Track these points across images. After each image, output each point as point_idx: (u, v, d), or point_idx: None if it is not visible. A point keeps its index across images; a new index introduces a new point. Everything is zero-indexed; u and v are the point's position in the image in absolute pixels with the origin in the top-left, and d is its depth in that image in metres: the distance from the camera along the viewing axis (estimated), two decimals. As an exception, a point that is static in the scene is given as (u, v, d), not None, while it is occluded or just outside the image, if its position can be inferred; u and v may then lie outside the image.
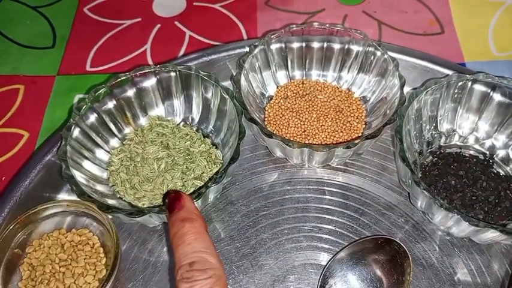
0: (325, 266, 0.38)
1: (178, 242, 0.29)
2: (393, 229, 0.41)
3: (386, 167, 0.45)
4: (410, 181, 0.39)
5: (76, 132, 0.41)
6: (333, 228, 0.42)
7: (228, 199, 0.44)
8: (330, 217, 0.42)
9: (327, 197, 0.43)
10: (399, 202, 0.43)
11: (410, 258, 0.37)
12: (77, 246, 0.40)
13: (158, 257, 0.41)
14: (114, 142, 0.45)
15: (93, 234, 0.41)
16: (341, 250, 0.39)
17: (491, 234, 0.36)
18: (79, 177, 0.39)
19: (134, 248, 0.41)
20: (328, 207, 0.43)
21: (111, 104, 0.44)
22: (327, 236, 0.41)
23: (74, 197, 0.42)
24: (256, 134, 0.43)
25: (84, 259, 0.39)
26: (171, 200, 0.32)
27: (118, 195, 0.42)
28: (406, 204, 0.43)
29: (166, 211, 0.32)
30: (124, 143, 0.45)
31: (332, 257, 0.39)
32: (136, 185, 0.42)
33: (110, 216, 0.39)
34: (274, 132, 0.45)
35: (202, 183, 0.41)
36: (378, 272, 0.37)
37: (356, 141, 0.39)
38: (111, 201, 0.40)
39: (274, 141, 0.40)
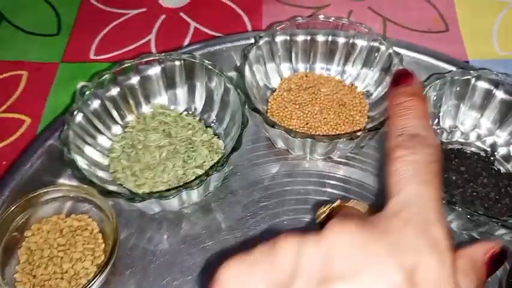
0: None
1: (403, 112, 0.26)
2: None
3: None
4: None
5: (79, 117, 0.41)
6: (333, 220, 0.41)
7: (228, 189, 0.44)
8: (330, 209, 0.42)
9: (328, 189, 0.43)
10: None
11: None
12: (75, 231, 0.40)
13: (157, 246, 0.41)
14: (116, 129, 0.45)
15: (92, 220, 0.40)
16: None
17: (495, 229, 0.36)
18: (80, 162, 0.39)
19: (133, 235, 0.41)
20: (328, 200, 0.43)
21: (114, 91, 0.44)
22: (326, 228, 0.41)
23: (74, 183, 0.42)
24: (259, 124, 0.43)
25: (83, 244, 0.39)
26: (400, 74, 0.28)
27: (118, 182, 0.42)
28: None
29: (390, 85, 0.28)
30: (126, 130, 0.45)
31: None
32: (137, 172, 0.42)
33: (111, 203, 0.39)
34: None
35: (204, 172, 0.41)
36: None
37: (359, 133, 0.39)
38: (111, 188, 0.40)
39: (276, 131, 0.40)
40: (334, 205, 0.26)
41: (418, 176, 0.22)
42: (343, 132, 0.45)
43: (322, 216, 0.26)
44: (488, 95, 0.44)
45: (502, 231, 0.36)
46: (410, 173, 0.22)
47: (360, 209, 0.26)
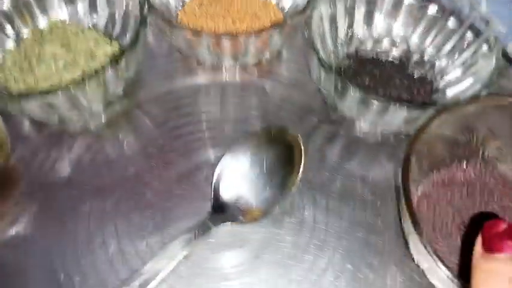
0: (220, 160, 0.36)
1: None
2: (309, 130, 0.40)
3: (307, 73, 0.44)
4: (319, 70, 0.37)
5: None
6: (247, 128, 0.40)
7: (136, 103, 0.41)
8: (245, 118, 0.41)
9: (244, 100, 0.42)
10: (318, 105, 0.42)
11: (302, 147, 0.35)
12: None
13: (58, 164, 0.38)
14: (9, 43, 0.41)
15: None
16: (235, 143, 0.37)
17: (396, 115, 0.36)
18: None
19: (34, 156, 0.38)
20: (243, 110, 0.41)
21: (6, 5, 0.41)
22: (239, 135, 0.40)
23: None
24: (165, 31, 0.41)
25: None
26: (495, 235, 0.21)
27: (11, 97, 0.38)
28: (324, 108, 0.42)
29: (479, 246, 0.21)
30: (20, 43, 0.41)
31: (227, 151, 0.37)
32: (31, 85, 0.38)
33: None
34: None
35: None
36: (271, 162, 0.36)
37: (261, 30, 0.38)
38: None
39: (181, 36, 0.38)
40: None
41: None
42: (255, 42, 0.43)
43: None
44: (399, -2, 0.43)
45: (408, 115, 0.35)
46: None
47: None
